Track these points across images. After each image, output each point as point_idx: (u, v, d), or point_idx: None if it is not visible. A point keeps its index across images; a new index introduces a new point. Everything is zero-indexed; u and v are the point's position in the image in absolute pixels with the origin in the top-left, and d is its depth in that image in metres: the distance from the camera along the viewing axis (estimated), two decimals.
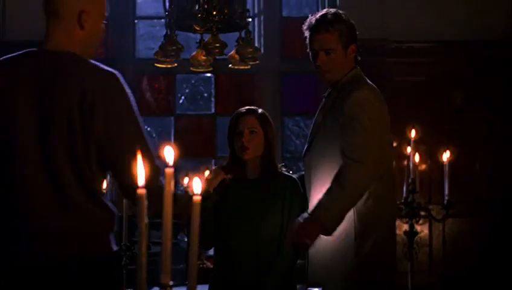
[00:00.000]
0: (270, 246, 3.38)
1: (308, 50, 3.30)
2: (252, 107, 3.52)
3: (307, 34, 3.30)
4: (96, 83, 2.38)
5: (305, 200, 3.35)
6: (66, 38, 2.46)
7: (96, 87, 2.36)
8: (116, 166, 2.42)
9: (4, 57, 2.47)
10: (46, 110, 2.35)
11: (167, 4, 3.94)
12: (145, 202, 1.17)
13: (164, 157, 1.25)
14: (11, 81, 2.40)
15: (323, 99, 3.37)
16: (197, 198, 1.25)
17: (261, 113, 3.46)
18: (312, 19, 3.29)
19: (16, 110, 2.36)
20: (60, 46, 2.45)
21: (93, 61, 2.45)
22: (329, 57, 3.23)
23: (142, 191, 1.18)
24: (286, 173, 3.50)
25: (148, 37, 6.42)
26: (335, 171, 3.07)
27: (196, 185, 1.24)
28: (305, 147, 3.39)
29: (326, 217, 3.06)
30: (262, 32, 6.50)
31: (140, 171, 1.21)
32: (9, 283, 2.34)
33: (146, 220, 1.19)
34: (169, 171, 1.19)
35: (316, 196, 3.16)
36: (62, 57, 2.43)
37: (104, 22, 2.57)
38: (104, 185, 2.67)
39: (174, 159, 1.26)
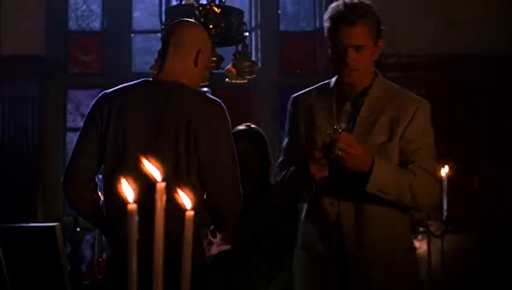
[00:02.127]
0: None
1: (329, 47, 2.82)
2: (244, 127, 3.47)
3: (328, 24, 2.79)
4: (203, 111, 2.72)
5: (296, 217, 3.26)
6: (180, 70, 2.80)
7: (202, 114, 2.71)
8: (205, 180, 2.75)
9: (125, 84, 2.91)
10: (156, 129, 2.70)
11: (163, 18, 3.92)
12: (135, 217, 1.12)
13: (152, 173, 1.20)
14: (129, 102, 2.79)
15: (334, 112, 2.88)
16: (189, 213, 1.20)
17: (256, 133, 3.43)
18: (339, 6, 2.77)
19: (129, 129, 2.72)
20: (172, 76, 2.79)
21: (199, 91, 2.85)
22: (359, 54, 2.76)
23: (132, 207, 1.13)
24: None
25: (145, 51, 6.38)
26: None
27: (187, 200, 1.19)
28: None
29: (382, 175, 2.73)
30: (259, 46, 6.46)
31: (126, 190, 1.16)
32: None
33: (137, 236, 1.15)
34: (160, 186, 1.14)
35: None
36: (173, 87, 2.77)
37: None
38: None
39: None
